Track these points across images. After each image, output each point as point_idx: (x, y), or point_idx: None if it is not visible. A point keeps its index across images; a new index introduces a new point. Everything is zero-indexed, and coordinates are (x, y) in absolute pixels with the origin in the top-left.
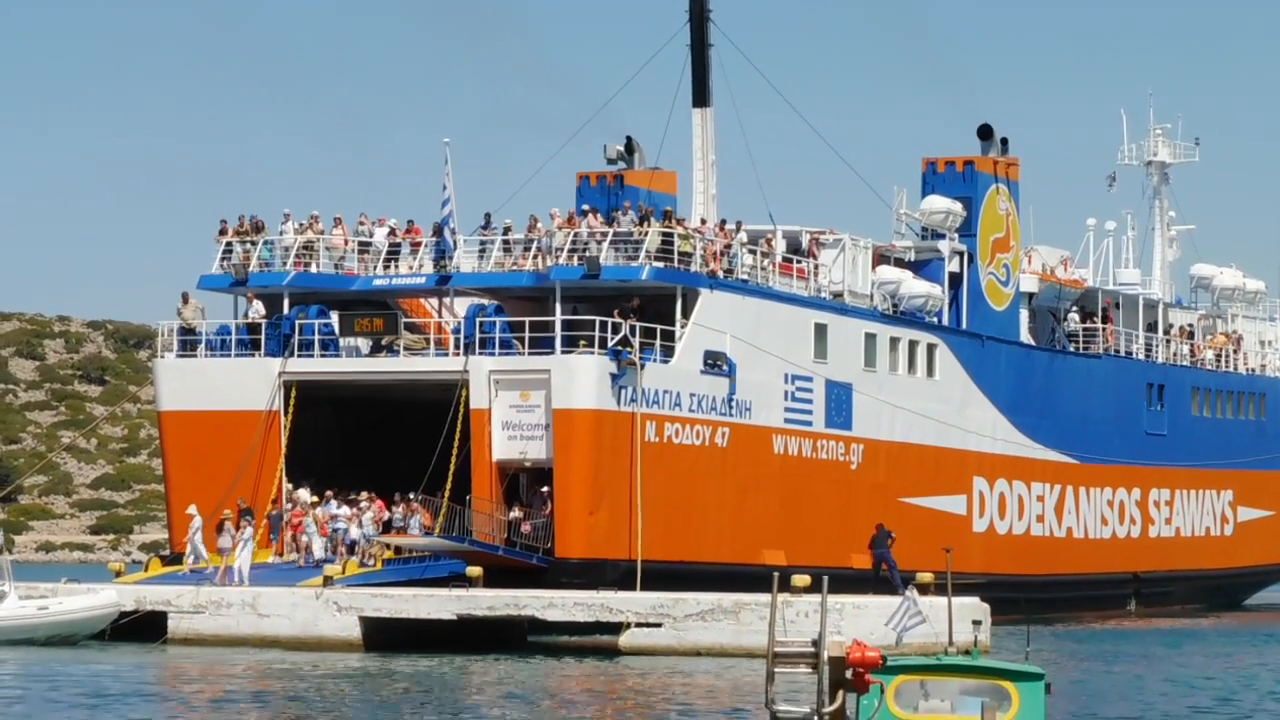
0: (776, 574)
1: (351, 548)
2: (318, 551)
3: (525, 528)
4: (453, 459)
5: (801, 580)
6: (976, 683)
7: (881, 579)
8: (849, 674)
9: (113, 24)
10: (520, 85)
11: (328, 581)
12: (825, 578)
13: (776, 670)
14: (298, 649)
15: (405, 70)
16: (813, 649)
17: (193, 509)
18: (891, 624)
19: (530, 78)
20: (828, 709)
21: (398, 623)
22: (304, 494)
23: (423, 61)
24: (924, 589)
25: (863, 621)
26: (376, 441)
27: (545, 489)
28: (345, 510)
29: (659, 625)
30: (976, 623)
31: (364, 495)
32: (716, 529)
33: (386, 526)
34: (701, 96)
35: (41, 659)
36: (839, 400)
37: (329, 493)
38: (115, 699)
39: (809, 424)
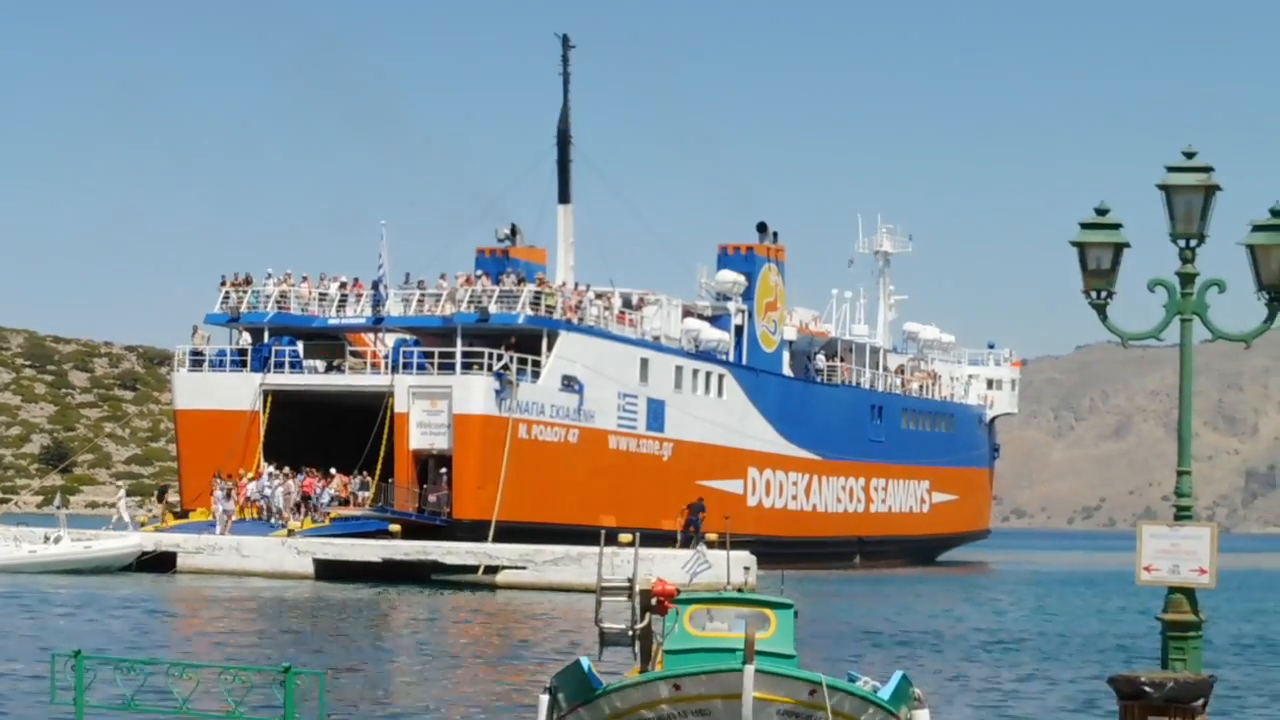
0: (604, 532)
1: (305, 507)
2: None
3: (432, 498)
4: (382, 447)
5: (626, 538)
6: (746, 610)
7: (689, 537)
8: (654, 602)
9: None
10: (437, 185)
11: (291, 533)
12: (637, 534)
13: (603, 599)
14: (269, 579)
15: (356, 177)
16: (628, 584)
17: (120, 492)
18: (685, 569)
19: (446, 180)
20: (638, 625)
21: (340, 563)
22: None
23: (368, 172)
24: (712, 544)
25: (666, 567)
26: (329, 434)
27: (445, 470)
28: (293, 482)
29: (525, 568)
30: (746, 568)
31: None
32: (568, 500)
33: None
34: (565, 196)
35: (88, 583)
36: (656, 412)
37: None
38: (138, 605)
39: (635, 428)
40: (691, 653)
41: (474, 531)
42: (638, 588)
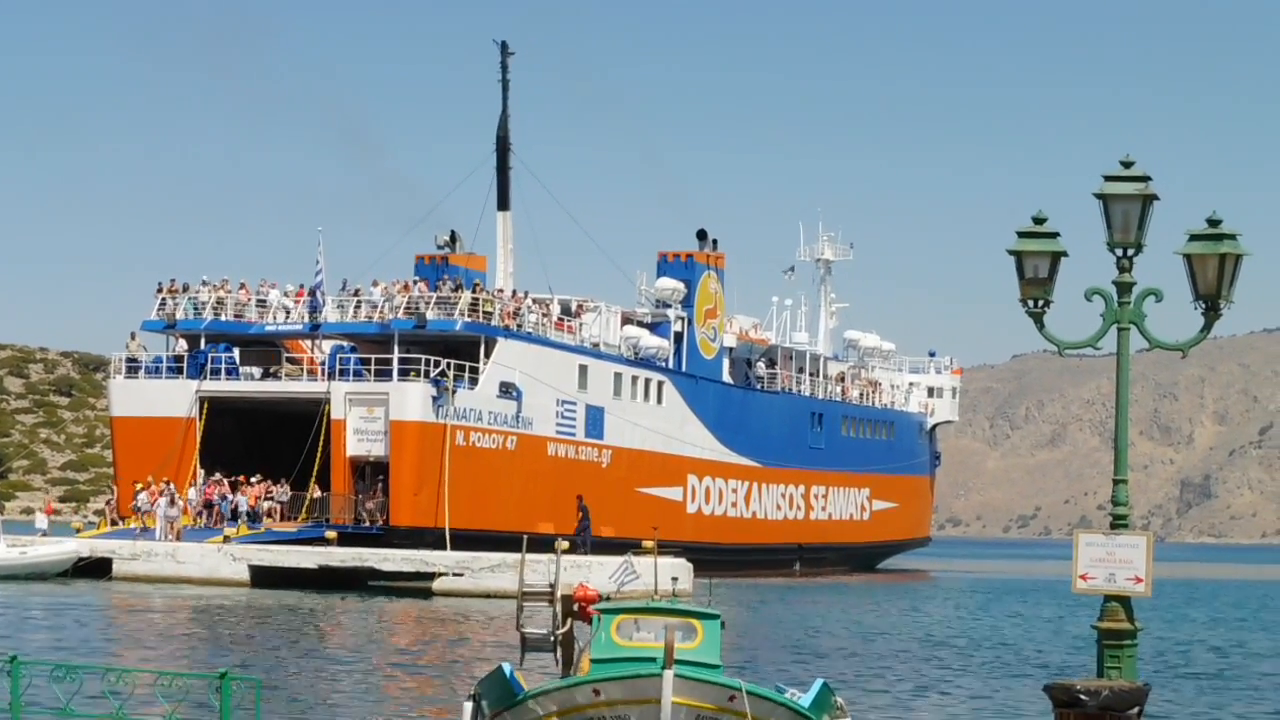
0: (525, 538)
1: (243, 515)
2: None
3: (369, 504)
4: (319, 454)
5: (563, 544)
6: (674, 620)
7: (580, 538)
8: (576, 607)
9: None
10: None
11: (226, 540)
12: (559, 541)
13: (525, 604)
14: (204, 585)
15: (294, 182)
16: (550, 589)
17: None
18: (613, 578)
19: (385, 186)
20: (560, 630)
21: (276, 570)
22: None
23: (306, 178)
24: (645, 553)
25: (596, 576)
26: (265, 441)
27: (381, 478)
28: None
29: (462, 575)
30: (674, 579)
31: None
32: (506, 506)
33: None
34: (504, 203)
35: (24, 589)
36: (595, 419)
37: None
38: (73, 610)
39: (573, 434)
40: (617, 661)
41: (411, 537)
42: (559, 593)
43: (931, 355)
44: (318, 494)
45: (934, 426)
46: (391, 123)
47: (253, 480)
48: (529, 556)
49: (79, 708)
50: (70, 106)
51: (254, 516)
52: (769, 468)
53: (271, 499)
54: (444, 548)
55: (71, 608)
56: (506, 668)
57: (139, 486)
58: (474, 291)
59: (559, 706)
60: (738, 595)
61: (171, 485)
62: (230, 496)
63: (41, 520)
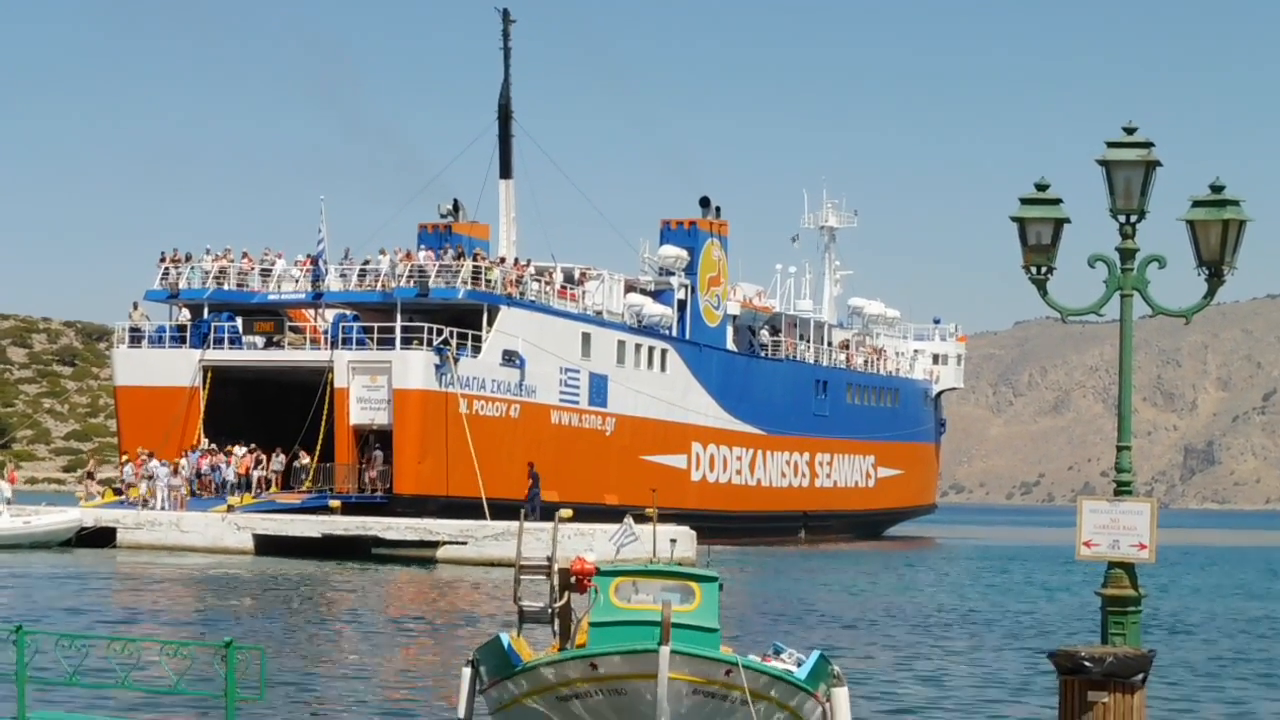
0: (523, 510)
1: (229, 484)
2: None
3: (371, 473)
4: (322, 423)
5: (566, 513)
6: (672, 583)
7: (531, 505)
8: (573, 580)
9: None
10: (379, 160)
11: (230, 509)
12: (558, 513)
13: (522, 577)
14: (208, 554)
15: (300, 150)
16: (547, 562)
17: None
18: (613, 541)
19: (387, 155)
20: (557, 604)
21: (280, 538)
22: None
23: (308, 147)
24: (646, 519)
25: (597, 541)
26: (268, 410)
27: (379, 447)
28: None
29: (465, 543)
30: (673, 541)
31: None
32: (509, 475)
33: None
34: (506, 171)
35: (27, 558)
36: (598, 387)
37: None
38: (77, 580)
39: (577, 402)
40: (616, 625)
41: (414, 506)
42: (556, 565)
43: (936, 322)
44: (305, 461)
45: (939, 394)
46: (393, 92)
47: (240, 450)
48: (533, 526)
49: (84, 677)
50: (72, 75)
51: (245, 486)
52: (773, 435)
53: (261, 468)
54: (482, 516)
55: (76, 577)
56: (504, 638)
57: (124, 459)
58: (475, 260)
59: (556, 679)
60: (740, 563)
61: (153, 457)
62: (221, 467)
63: (4, 488)
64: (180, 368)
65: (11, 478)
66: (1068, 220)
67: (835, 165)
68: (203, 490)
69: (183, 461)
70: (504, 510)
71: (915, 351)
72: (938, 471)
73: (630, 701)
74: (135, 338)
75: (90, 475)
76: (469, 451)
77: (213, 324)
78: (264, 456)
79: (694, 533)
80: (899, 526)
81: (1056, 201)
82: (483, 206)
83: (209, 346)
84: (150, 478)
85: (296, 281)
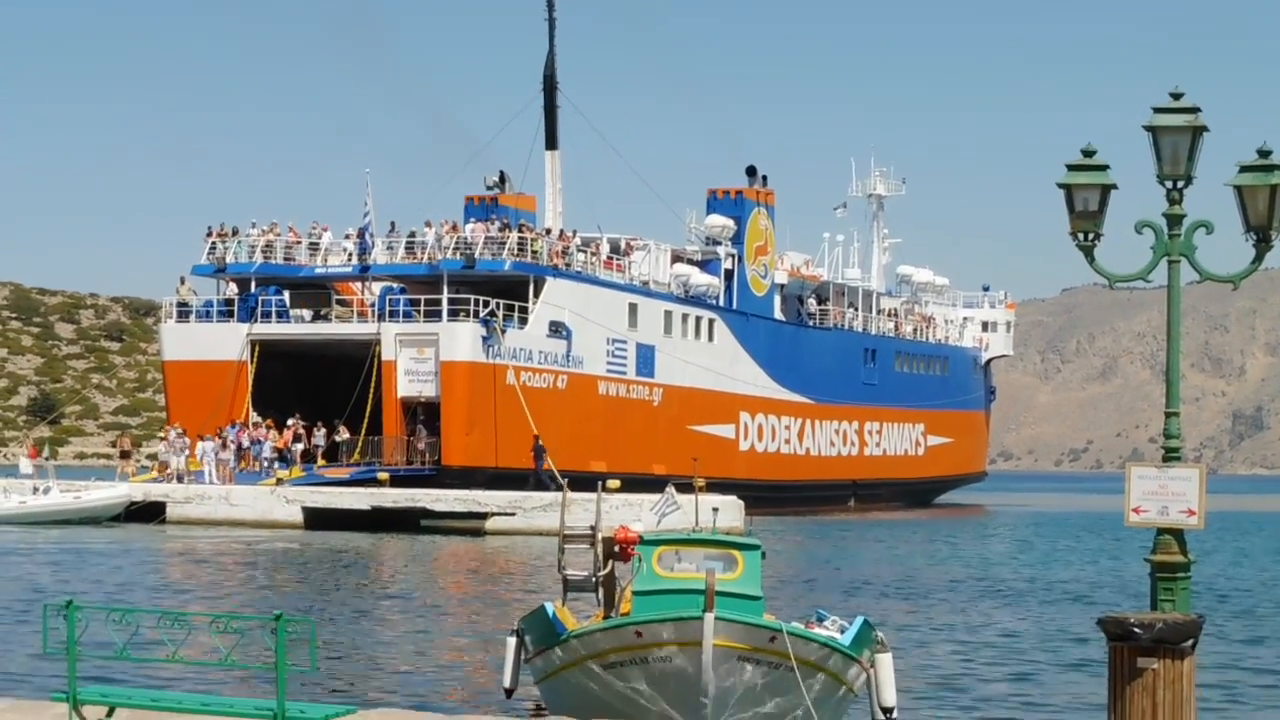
0: (566, 480)
1: (265, 460)
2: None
3: (420, 445)
4: (370, 396)
5: (614, 484)
6: (715, 551)
7: (540, 475)
8: (617, 549)
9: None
10: (425, 133)
11: (279, 482)
12: (600, 484)
13: (566, 546)
14: (257, 528)
15: (349, 120)
16: (590, 531)
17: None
18: (654, 510)
19: (433, 127)
20: (601, 573)
21: (329, 511)
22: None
23: (354, 120)
24: (696, 490)
25: (641, 510)
26: (316, 383)
27: (423, 419)
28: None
29: (513, 514)
30: (715, 510)
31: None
32: (557, 446)
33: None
34: (552, 143)
35: (78, 534)
36: (646, 357)
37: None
38: (131, 554)
39: (624, 373)
40: (659, 594)
41: (463, 478)
42: (600, 535)
43: (985, 289)
44: (345, 435)
45: (988, 361)
46: (439, 65)
47: (286, 424)
48: (579, 496)
49: (135, 651)
50: (118, 52)
51: (284, 460)
52: (822, 404)
53: (301, 442)
54: (496, 488)
55: (126, 551)
56: (549, 607)
57: (159, 436)
58: (519, 231)
59: (601, 647)
60: (788, 532)
61: (184, 433)
62: (262, 441)
63: (25, 465)
64: (228, 342)
65: (33, 453)
66: (1115, 186)
67: (882, 134)
68: (242, 465)
69: (226, 436)
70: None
71: (964, 319)
72: (987, 439)
73: (675, 669)
74: (183, 312)
75: (125, 454)
76: (516, 423)
77: (260, 298)
78: (303, 431)
79: (741, 502)
80: (949, 495)
81: (1104, 168)
82: (529, 178)
83: (256, 320)
84: (179, 453)
85: (344, 255)
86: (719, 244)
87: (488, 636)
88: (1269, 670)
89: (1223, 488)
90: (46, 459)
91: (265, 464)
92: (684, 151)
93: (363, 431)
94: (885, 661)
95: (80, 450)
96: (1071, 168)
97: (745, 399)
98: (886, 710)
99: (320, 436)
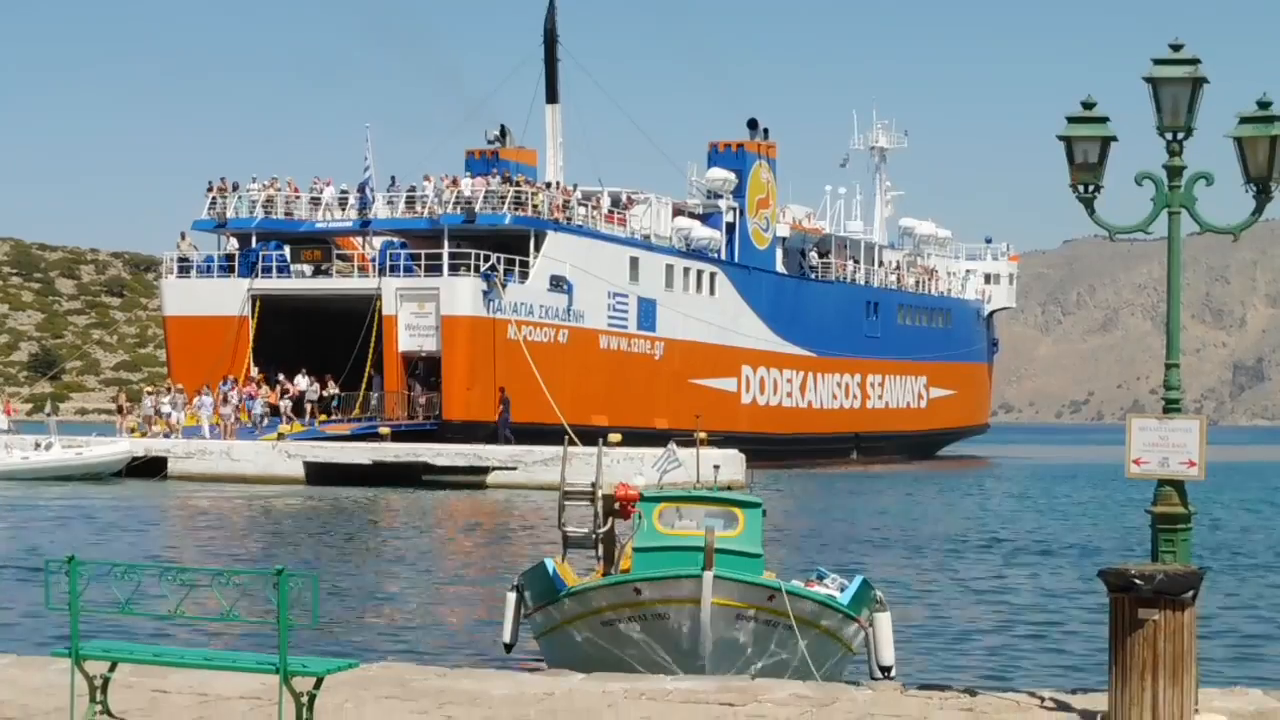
0: (566, 436)
1: (255, 415)
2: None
3: (422, 400)
4: (370, 350)
5: (615, 437)
6: (715, 508)
7: (502, 430)
8: (616, 506)
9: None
10: (425, 87)
11: (281, 437)
12: (601, 439)
13: (566, 503)
14: (258, 483)
15: (349, 74)
16: (591, 488)
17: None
18: (656, 467)
19: (434, 81)
20: (601, 530)
21: (331, 466)
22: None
23: (354, 74)
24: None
25: (643, 465)
26: (317, 338)
27: (419, 373)
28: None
29: (515, 469)
30: (716, 467)
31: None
32: (559, 400)
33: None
34: (553, 96)
35: (80, 489)
36: (647, 311)
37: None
38: (133, 509)
39: (625, 327)
40: (659, 550)
41: (464, 432)
42: (600, 491)
43: (988, 242)
44: (333, 390)
45: (991, 313)
46: (440, 19)
47: (277, 379)
48: (580, 451)
49: (137, 606)
50: (117, 8)
51: (276, 415)
52: (824, 357)
53: (288, 397)
54: (497, 442)
55: (129, 507)
56: (549, 563)
57: (148, 391)
58: (516, 186)
59: (600, 604)
60: (789, 486)
61: (181, 390)
62: (254, 397)
63: (1, 420)
64: (229, 297)
65: (8, 409)
66: (1114, 138)
67: (884, 86)
68: (236, 421)
69: (225, 391)
70: (555, 436)
71: (967, 271)
72: (990, 392)
73: (673, 626)
74: (184, 268)
75: (121, 410)
76: (517, 377)
77: (260, 253)
78: (289, 386)
79: (743, 456)
80: (951, 446)
81: (1103, 120)
82: (529, 132)
83: (257, 275)
84: (163, 412)
85: (345, 209)
86: (720, 197)
87: (488, 591)
88: (1265, 620)
89: (1224, 439)
90: (48, 414)
91: (257, 419)
92: (685, 105)
93: (363, 386)
94: (884, 620)
95: (82, 406)
96: (1071, 120)
97: (747, 352)
98: (885, 669)
99: (313, 391)
